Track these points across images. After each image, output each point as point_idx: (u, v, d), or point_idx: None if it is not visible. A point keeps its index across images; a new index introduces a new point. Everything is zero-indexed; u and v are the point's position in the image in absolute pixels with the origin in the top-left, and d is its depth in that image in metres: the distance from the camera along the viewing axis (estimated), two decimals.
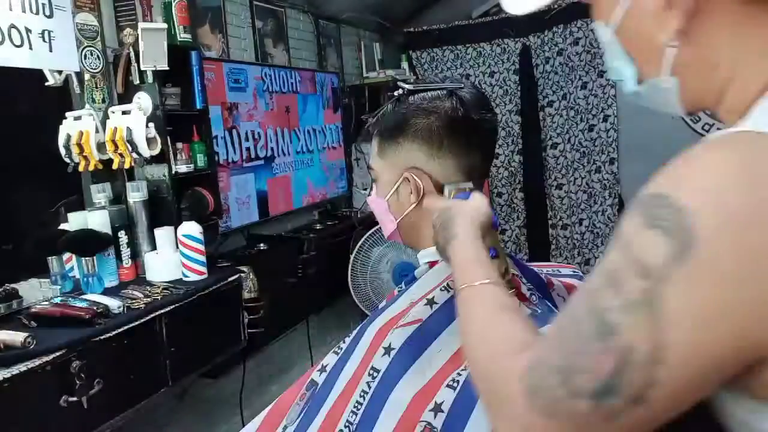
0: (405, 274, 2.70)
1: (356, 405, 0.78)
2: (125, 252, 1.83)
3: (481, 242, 0.73)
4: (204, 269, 1.87)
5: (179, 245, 1.84)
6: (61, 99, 1.78)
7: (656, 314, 0.42)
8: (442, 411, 0.70)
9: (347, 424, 0.77)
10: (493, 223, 0.79)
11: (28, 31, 1.56)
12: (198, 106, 2.05)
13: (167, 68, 1.86)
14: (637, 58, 0.55)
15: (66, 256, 1.74)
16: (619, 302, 0.43)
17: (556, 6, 3.50)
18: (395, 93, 0.91)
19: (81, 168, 1.76)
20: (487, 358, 0.56)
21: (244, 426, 0.92)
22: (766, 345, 0.41)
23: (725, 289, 0.40)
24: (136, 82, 1.87)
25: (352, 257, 2.76)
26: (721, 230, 0.40)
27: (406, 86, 0.89)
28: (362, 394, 0.78)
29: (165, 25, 1.87)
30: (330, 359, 0.89)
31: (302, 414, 0.85)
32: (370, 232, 2.75)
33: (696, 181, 0.42)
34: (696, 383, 0.43)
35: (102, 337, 1.44)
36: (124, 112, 1.79)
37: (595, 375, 0.44)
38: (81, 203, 1.89)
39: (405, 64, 3.88)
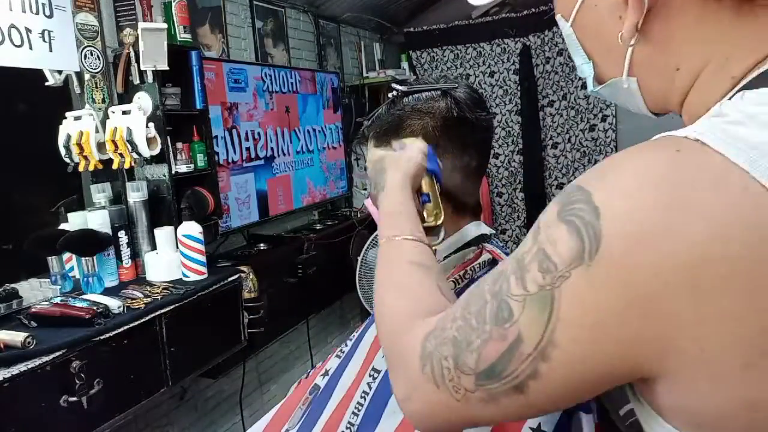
0: None
1: (357, 406, 0.78)
2: (125, 252, 1.83)
3: (409, 193, 0.72)
4: (204, 269, 1.87)
5: (179, 245, 1.84)
6: (61, 99, 1.78)
7: (550, 311, 0.41)
8: None
9: (348, 425, 0.77)
10: (433, 170, 0.78)
11: (28, 31, 1.56)
12: (198, 106, 2.05)
13: (167, 68, 1.86)
14: (595, 57, 0.53)
15: (66, 256, 1.74)
16: (520, 291, 0.43)
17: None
18: (390, 95, 0.91)
19: (81, 168, 1.75)
20: (395, 317, 0.57)
21: (244, 426, 0.93)
22: (650, 364, 0.40)
23: (619, 299, 0.39)
24: (136, 82, 1.87)
25: (359, 262, 2.76)
26: (627, 239, 0.38)
27: (400, 88, 0.90)
28: (363, 394, 0.78)
29: (165, 25, 1.87)
30: (333, 363, 0.89)
31: (304, 417, 0.85)
32: (374, 235, 2.76)
33: (617, 183, 0.40)
34: (577, 385, 0.43)
35: (102, 337, 1.44)
36: (124, 112, 1.79)
37: (483, 356, 0.44)
38: (81, 203, 1.89)
39: (405, 64, 3.88)
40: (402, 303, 0.58)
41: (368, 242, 2.75)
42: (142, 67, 1.83)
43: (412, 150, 0.78)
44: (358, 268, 2.76)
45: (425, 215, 0.75)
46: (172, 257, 1.86)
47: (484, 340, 0.44)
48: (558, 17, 0.55)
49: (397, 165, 0.76)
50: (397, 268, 0.63)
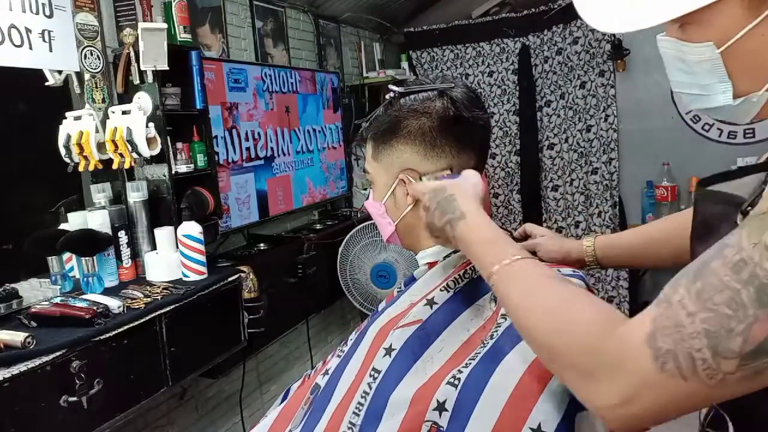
0: (382, 275, 2.71)
1: (358, 406, 0.78)
2: (125, 252, 1.83)
3: (488, 217, 0.74)
4: (204, 269, 1.87)
5: (179, 245, 1.84)
6: (61, 99, 1.78)
7: None
8: (446, 409, 0.70)
9: (350, 425, 0.77)
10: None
11: (28, 31, 1.56)
12: (198, 106, 2.05)
13: (167, 68, 1.86)
14: (738, 77, 0.59)
15: (66, 256, 1.74)
16: None
17: (555, 6, 3.50)
18: (386, 96, 0.91)
19: (81, 168, 1.75)
20: (578, 330, 0.58)
21: (244, 426, 0.93)
22: None
23: None
24: (136, 82, 1.87)
25: (338, 262, 2.77)
26: None
27: (397, 89, 0.90)
28: (363, 394, 0.79)
29: (165, 25, 1.87)
30: (333, 363, 0.90)
31: (306, 417, 0.85)
32: (348, 235, 2.76)
33: None
34: None
35: (102, 337, 1.44)
36: (124, 112, 1.79)
37: (750, 339, 0.48)
38: (81, 203, 1.89)
39: (405, 64, 3.88)
40: (581, 315, 0.59)
41: (353, 231, 2.76)
42: (142, 67, 1.83)
43: (472, 176, 0.80)
44: (338, 268, 2.76)
45: None
46: (172, 257, 1.86)
47: (749, 324, 0.48)
48: (698, 44, 0.59)
49: (465, 192, 0.76)
50: (545, 286, 0.64)
